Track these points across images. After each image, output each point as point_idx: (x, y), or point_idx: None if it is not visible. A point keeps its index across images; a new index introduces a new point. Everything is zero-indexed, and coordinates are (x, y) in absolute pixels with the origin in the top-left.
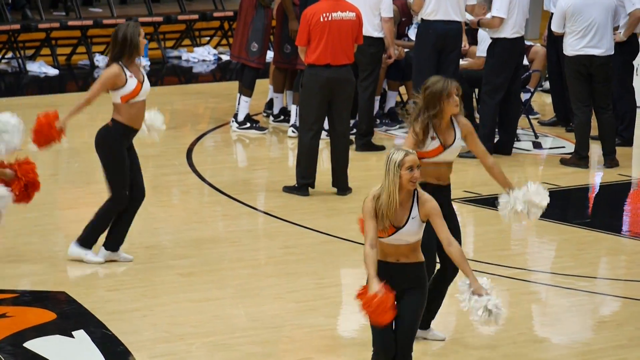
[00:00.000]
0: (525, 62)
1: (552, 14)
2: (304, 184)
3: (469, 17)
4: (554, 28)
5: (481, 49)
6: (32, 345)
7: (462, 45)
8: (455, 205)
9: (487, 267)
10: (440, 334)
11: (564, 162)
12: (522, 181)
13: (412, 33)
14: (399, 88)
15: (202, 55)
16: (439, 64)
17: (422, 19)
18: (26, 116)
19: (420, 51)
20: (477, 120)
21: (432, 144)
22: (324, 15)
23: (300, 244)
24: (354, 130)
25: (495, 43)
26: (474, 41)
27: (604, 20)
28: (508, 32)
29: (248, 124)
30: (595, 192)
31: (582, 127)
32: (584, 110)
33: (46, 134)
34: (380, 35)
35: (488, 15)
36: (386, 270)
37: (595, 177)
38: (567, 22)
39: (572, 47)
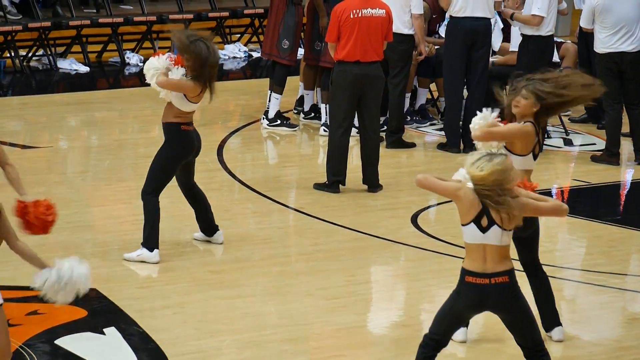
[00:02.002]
0: (557, 58)
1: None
2: (334, 181)
3: (505, 9)
4: (582, 24)
5: (514, 44)
6: (63, 342)
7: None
8: None
9: (517, 264)
10: (460, 336)
11: (594, 159)
12: (553, 178)
13: (442, 30)
14: (430, 85)
15: (232, 53)
16: (468, 60)
17: (450, 16)
18: (56, 113)
19: (449, 48)
20: None
21: None
22: (354, 11)
23: (331, 241)
24: (385, 128)
25: (529, 40)
26: (505, 38)
27: (635, 16)
28: (544, 30)
29: (279, 121)
30: (627, 189)
31: (613, 124)
32: (615, 107)
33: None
34: (410, 32)
35: (524, 12)
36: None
37: (627, 174)
38: (596, 19)
39: (603, 44)
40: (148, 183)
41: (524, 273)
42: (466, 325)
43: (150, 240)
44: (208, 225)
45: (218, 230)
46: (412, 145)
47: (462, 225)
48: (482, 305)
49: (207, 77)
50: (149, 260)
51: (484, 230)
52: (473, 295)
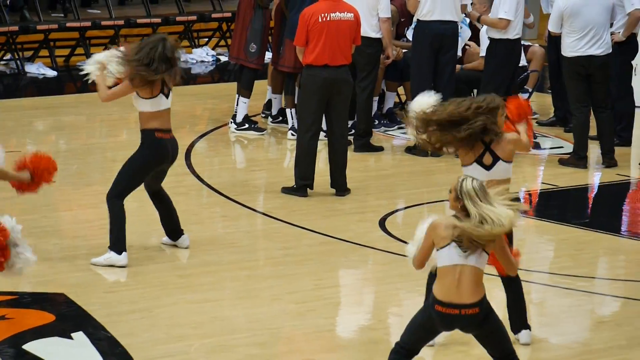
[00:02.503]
0: (524, 62)
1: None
2: (302, 184)
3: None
4: (551, 28)
5: (483, 49)
6: (31, 347)
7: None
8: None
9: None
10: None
11: (562, 162)
12: (521, 182)
13: (410, 34)
14: (398, 89)
15: (200, 56)
16: (436, 64)
17: (418, 20)
18: (24, 118)
19: (417, 52)
20: None
21: None
22: (323, 15)
23: (299, 245)
24: (353, 131)
25: (497, 44)
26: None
27: (603, 20)
28: (511, 33)
29: (246, 125)
30: (594, 192)
31: (581, 128)
32: (583, 111)
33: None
34: (378, 35)
35: (491, 15)
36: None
37: (594, 177)
38: (565, 23)
39: (571, 48)
40: (115, 186)
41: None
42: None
43: (118, 243)
44: (173, 229)
45: (183, 234)
46: (380, 148)
47: (438, 249)
48: (451, 329)
49: (146, 67)
50: (118, 263)
51: (488, 167)
52: (441, 322)
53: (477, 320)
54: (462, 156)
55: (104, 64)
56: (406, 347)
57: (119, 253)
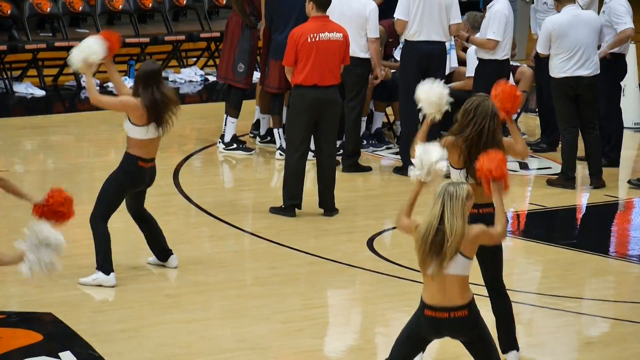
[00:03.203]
0: (512, 82)
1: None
2: (290, 204)
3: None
4: (539, 49)
5: (470, 70)
6: None
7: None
8: None
9: (473, 288)
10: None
11: (550, 182)
12: (509, 202)
13: (397, 54)
14: (386, 109)
15: (188, 76)
16: None
17: (405, 40)
18: (12, 137)
19: (405, 72)
20: None
21: None
22: (312, 35)
23: (287, 264)
24: (341, 151)
25: (485, 64)
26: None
27: (591, 41)
28: (500, 54)
29: (235, 145)
30: (582, 213)
31: (569, 148)
32: (571, 131)
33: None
34: (366, 55)
35: (480, 36)
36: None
37: (582, 197)
38: (552, 44)
39: (559, 69)
40: (97, 207)
41: (485, 297)
42: (422, 350)
43: (105, 263)
44: (161, 250)
45: (172, 254)
46: (368, 169)
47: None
48: (441, 335)
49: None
50: (106, 283)
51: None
52: (432, 327)
53: (467, 324)
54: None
55: (91, 63)
56: None
57: (107, 273)
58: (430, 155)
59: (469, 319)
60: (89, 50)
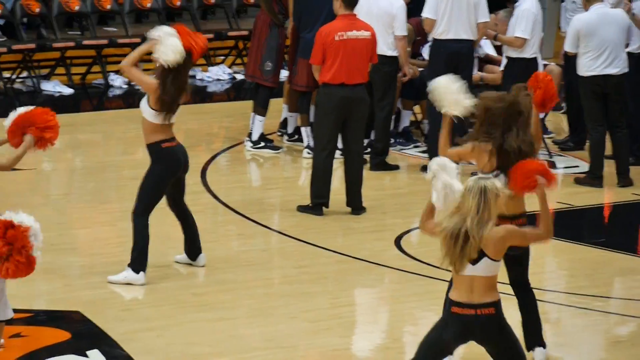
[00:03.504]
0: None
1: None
2: (318, 203)
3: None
4: (567, 48)
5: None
6: None
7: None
8: None
9: (501, 287)
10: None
11: (578, 181)
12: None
13: (425, 52)
14: (414, 107)
15: (216, 75)
16: None
17: (433, 39)
18: None
19: (433, 70)
20: None
21: None
22: (339, 34)
23: (315, 263)
24: (368, 150)
25: (513, 62)
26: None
27: (618, 39)
28: (528, 52)
29: (262, 143)
30: (610, 212)
31: (597, 147)
32: (599, 130)
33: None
34: (394, 53)
35: (508, 34)
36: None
37: (610, 196)
38: (580, 42)
39: (587, 68)
40: (137, 204)
41: (511, 296)
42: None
43: (138, 262)
44: (193, 248)
45: (201, 253)
46: (396, 167)
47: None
48: (468, 336)
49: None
50: (135, 282)
51: (474, 262)
52: (459, 326)
53: (494, 323)
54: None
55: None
56: None
57: (137, 272)
58: (453, 190)
59: (495, 318)
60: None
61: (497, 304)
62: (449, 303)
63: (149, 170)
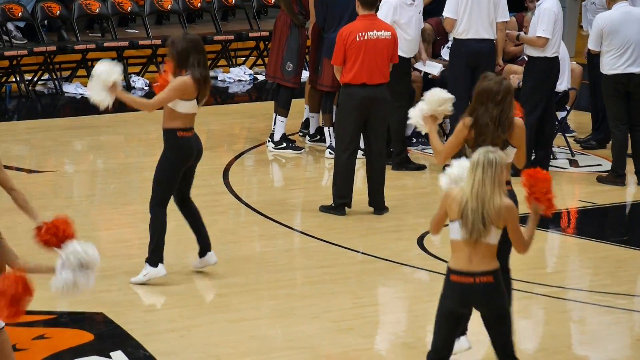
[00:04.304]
0: (565, 85)
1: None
2: (340, 203)
3: (509, 31)
4: (590, 46)
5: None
6: None
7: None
8: None
9: (524, 285)
10: (465, 343)
11: (600, 180)
12: (559, 199)
13: (445, 52)
14: None
15: (238, 76)
16: (473, 82)
17: (454, 38)
18: (62, 137)
19: (454, 70)
20: None
21: None
22: (360, 34)
23: (337, 263)
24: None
25: (535, 62)
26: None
27: None
28: (549, 51)
29: (284, 144)
30: (632, 210)
31: (619, 145)
32: (621, 128)
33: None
34: (405, 55)
35: (530, 34)
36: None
37: (632, 194)
38: (604, 41)
39: (610, 66)
40: (153, 195)
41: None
42: (461, 332)
43: (155, 254)
44: (203, 243)
45: (210, 250)
46: (422, 167)
47: (450, 221)
48: (468, 303)
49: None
50: (156, 275)
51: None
52: (458, 294)
53: (492, 290)
54: None
55: (111, 83)
56: (437, 357)
57: (155, 265)
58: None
59: (494, 285)
60: (103, 74)
61: (496, 273)
62: (447, 272)
63: (161, 158)
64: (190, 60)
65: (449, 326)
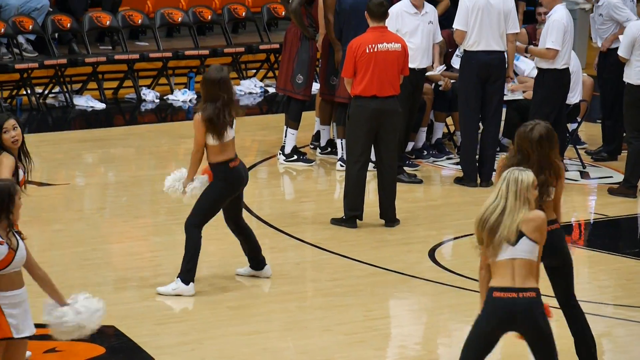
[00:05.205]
0: (577, 98)
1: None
2: (351, 215)
3: (519, 44)
4: (621, 53)
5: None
6: None
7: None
8: None
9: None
10: None
11: (612, 191)
12: (571, 211)
13: (455, 61)
14: (446, 119)
15: (248, 88)
16: (484, 94)
17: (464, 50)
18: (73, 150)
19: (464, 82)
20: None
21: None
22: (370, 46)
23: (349, 276)
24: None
25: (545, 74)
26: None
27: None
28: (559, 63)
29: (295, 156)
30: None
31: (635, 156)
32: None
33: None
34: (412, 66)
35: (539, 46)
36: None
37: None
38: (635, 50)
39: (638, 76)
40: (194, 215)
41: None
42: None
43: (189, 273)
44: (255, 259)
45: (265, 264)
46: (418, 181)
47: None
48: (510, 321)
49: (219, 96)
50: (186, 293)
51: (513, 243)
52: (501, 310)
53: (536, 307)
54: None
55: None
56: None
57: (187, 283)
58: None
59: (537, 301)
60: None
61: (537, 291)
62: (489, 291)
63: (211, 185)
64: (210, 95)
65: (481, 349)
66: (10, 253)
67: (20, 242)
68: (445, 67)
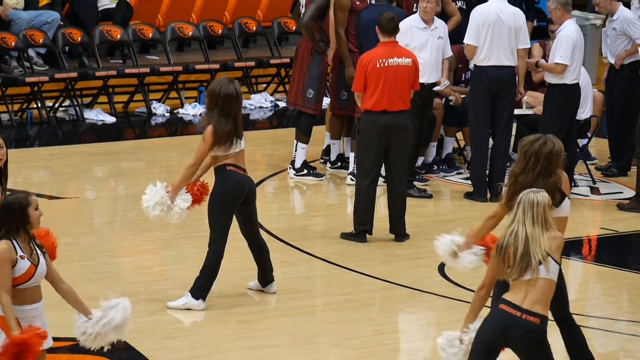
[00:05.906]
0: (587, 113)
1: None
2: (361, 230)
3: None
4: None
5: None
6: None
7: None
8: None
9: None
10: None
11: (621, 207)
12: (580, 227)
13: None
14: (456, 134)
15: (259, 102)
16: (494, 109)
17: (475, 65)
18: (83, 164)
19: (475, 97)
20: None
21: None
22: (381, 61)
23: (358, 290)
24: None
25: (554, 89)
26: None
27: None
28: (568, 78)
29: (305, 171)
30: None
31: None
32: None
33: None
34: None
35: (549, 60)
36: None
37: None
38: None
39: None
40: (211, 233)
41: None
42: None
43: (202, 291)
44: (264, 279)
45: (272, 281)
46: (428, 196)
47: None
48: (504, 336)
49: (223, 110)
50: (196, 307)
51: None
52: (499, 321)
53: (536, 334)
54: None
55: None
56: None
57: (197, 299)
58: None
59: (538, 329)
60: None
61: (543, 319)
62: (499, 300)
63: (211, 193)
64: (218, 107)
65: (483, 356)
66: (31, 267)
67: (41, 256)
68: (449, 83)
